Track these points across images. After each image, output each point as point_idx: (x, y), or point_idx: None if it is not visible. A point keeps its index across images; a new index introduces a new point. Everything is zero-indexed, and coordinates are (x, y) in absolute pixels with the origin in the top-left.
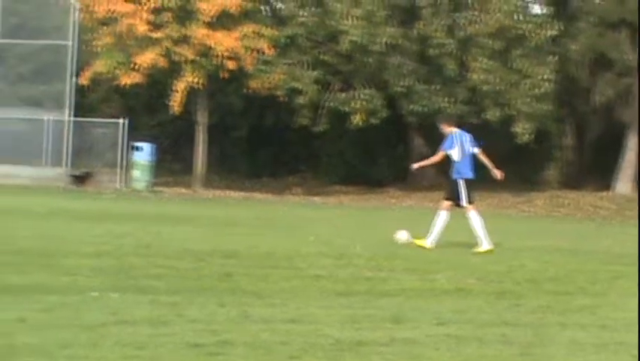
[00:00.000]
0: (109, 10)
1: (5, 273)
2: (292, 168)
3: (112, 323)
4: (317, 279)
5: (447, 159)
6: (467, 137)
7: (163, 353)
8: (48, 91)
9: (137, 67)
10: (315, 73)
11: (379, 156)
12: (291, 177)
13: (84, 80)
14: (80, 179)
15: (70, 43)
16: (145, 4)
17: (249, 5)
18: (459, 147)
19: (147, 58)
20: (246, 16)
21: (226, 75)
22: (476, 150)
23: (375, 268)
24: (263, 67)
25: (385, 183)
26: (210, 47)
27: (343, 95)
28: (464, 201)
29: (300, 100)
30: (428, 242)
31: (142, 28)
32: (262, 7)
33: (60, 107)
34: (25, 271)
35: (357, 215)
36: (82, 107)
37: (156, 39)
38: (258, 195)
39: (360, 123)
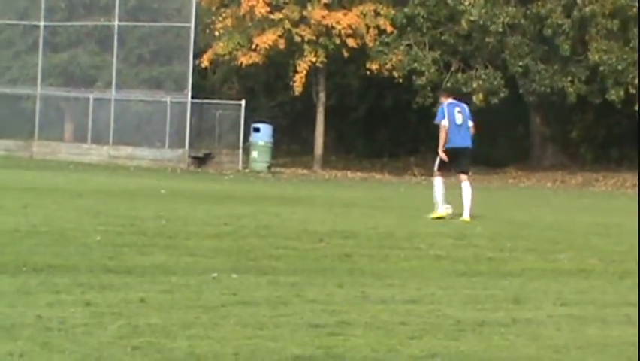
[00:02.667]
0: None
1: (128, 254)
2: (411, 148)
3: (232, 304)
4: (437, 259)
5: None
6: (461, 107)
7: (283, 333)
8: (169, 73)
9: (256, 48)
10: (435, 53)
11: (499, 136)
12: (410, 158)
13: (205, 62)
14: (201, 160)
15: (191, 25)
16: None
17: None
18: (447, 116)
19: (267, 39)
20: None
21: (348, 54)
22: (470, 124)
23: (496, 248)
24: (382, 48)
25: (505, 164)
26: (330, 27)
27: (463, 75)
28: (435, 166)
29: (420, 81)
30: (466, 216)
31: (262, 10)
32: None
33: (181, 89)
34: (148, 252)
35: (477, 195)
36: (202, 89)
37: (276, 20)
38: (376, 176)
39: (480, 103)
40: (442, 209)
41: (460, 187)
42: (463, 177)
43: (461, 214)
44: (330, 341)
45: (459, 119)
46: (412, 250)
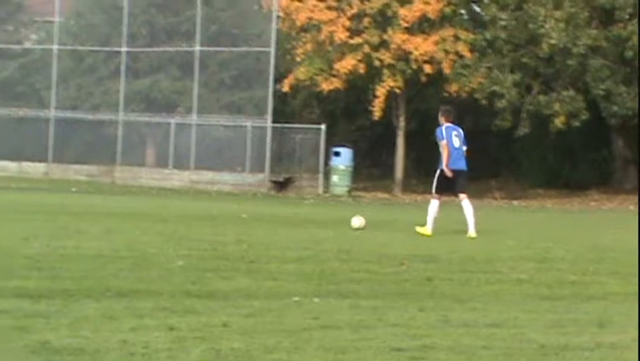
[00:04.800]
0: (309, 17)
1: (210, 278)
2: (492, 171)
3: (314, 328)
4: (519, 283)
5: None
6: (458, 131)
7: (365, 356)
8: (249, 97)
9: (336, 73)
10: (515, 76)
11: (581, 159)
12: (491, 181)
13: (285, 87)
14: (281, 185)
15: (271, 50)
16: (346, 10)
17: (448, 10)
18: (446, 138)
19: (347, 64)
20: (444, 20)
21: (425, 79)
22: (463, 148)
23: (579, 271)
24: (462, 70)
25: (587, 187)
26: (408, 52)
27: (544, 97)
28: (432, 189)
29: (500, 103)
30: (471, 231)
31: (342, 35)
32: (461, 11)
33: (261, 114)
34: (230, 277)
35: (559, 218)
36: (282, 114)
37: (356, 45)
38: (456, 199)
39: (562, 126)
40: (429, 229)
41: (461, 206)
42: (463, 196)
43: (466, 232)
44: None
45: (456, 142)
46: (494, 274)
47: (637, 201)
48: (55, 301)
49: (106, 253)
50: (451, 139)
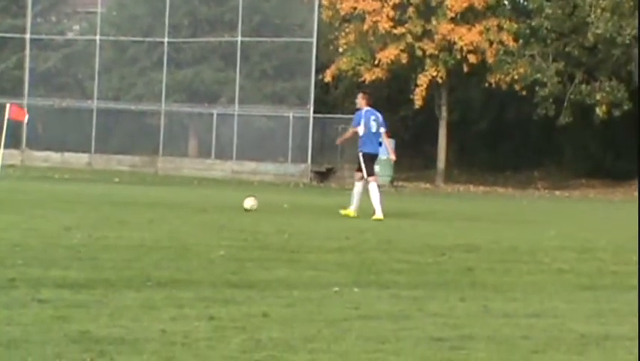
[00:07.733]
0: (354, 7)
1: (251, 268)
2: (534, 161)
3: (354, 318)
4: (560, 273)
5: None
6: (376, 116)
7: (405, 346)
8: (291, 88)
9: (379, 63)
10: (558, 65)
11: (625, 148)
12: (533, 171)
13: (327, 78)
14: (323, 175)
15: (313, 40)
16: (389, 0)
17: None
18: (363, 123)
19: (390, 54)
20: (489, 9)
21: (468, 69)
22: (382, 130)
23: (621, 261)
24: (505, 57)
25: (630, 177)
26: (453, 42)
27: (586, 87)
28: (364, 174)
29: (542, 92)
30: (378, 213)
31: (385, 25)
32: (504, 2)
33: (303, 104)
34: (270, 267)
35: (602, 209)
36: (324, 104)
37: (399, 35)
38: (499, 189)
39: (604, 115)
40: (379, 213)
41: (368, 189)
42: (372, 178)
43: (373, 214)
44: (453, 355)
45: (374, 127)
46: (535, 264)
47: None
48: (96, 291)
49: (147, 244)
50: (369, 124)
